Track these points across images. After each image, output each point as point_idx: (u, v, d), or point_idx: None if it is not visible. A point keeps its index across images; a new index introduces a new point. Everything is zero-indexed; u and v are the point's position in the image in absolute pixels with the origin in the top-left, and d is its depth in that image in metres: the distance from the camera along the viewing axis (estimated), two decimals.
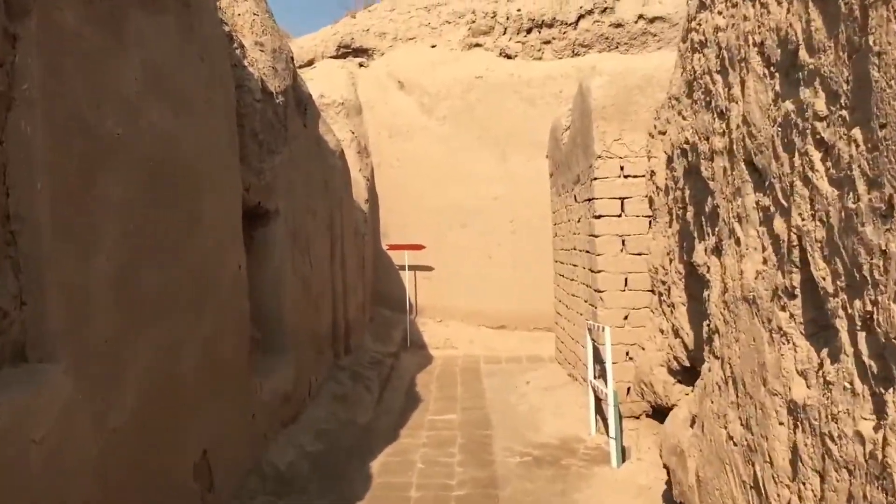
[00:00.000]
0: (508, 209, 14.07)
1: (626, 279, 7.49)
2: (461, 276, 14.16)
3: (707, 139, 3.83)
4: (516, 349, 13.41)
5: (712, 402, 3.55)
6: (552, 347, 12.58)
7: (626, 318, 7.48)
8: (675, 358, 5.39)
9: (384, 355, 11.78)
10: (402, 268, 14.08)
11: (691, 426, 4.01)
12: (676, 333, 5.34)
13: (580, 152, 8.32)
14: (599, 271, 7.54)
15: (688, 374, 5.42)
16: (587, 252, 8.14)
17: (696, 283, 5.11)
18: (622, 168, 7.47)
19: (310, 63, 14.53)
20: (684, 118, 4.45)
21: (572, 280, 9.36)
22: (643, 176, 7.38)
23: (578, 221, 8.71)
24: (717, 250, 3.68)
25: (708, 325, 3.88)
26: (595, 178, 7.52)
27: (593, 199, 7.59)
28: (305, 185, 8.55)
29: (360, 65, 14.60)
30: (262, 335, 7.12)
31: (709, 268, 3.84)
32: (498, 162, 14.12)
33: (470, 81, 14.18)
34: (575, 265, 9.11)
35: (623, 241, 7.49)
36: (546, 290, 13.43)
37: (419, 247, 13.97)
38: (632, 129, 7.42)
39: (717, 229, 3.68)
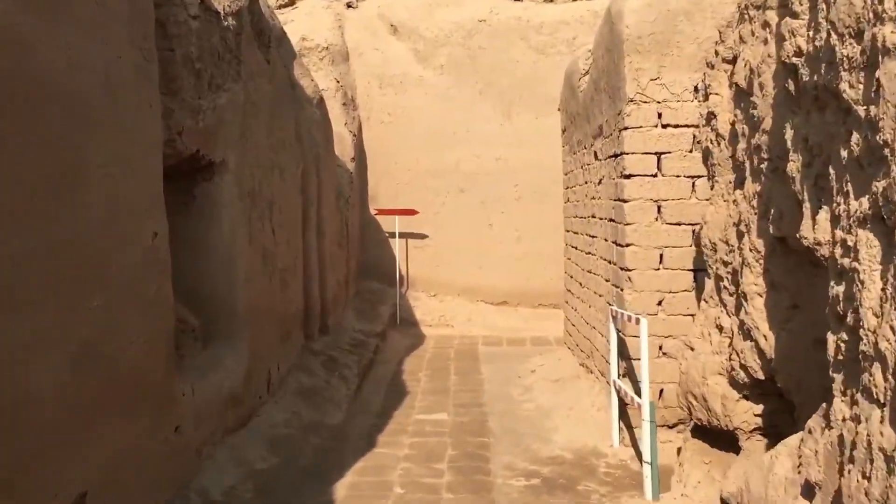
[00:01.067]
0: (513, 173, 12.52)
1: (661, 255, 6.00)
2: (458, 246, 12.67)
3: (857, 35, 2.30)
4: (519, 329, 11.98)
5: (867, 479, 2.07)
6: (560, 328, 11.14)
7: (660, 303, 6.00)
8: (744, 367, 3.94)
9: (368, 335, 10.34)
10: (392, 235, 12.58)
11: (805, 497, 2.55)
12: (747, 334, 3.87)
13: (604, 98, 6.77)
14: (627, 245, 6.04)
15: (760, 390, 3.97)
16: (611, 221, 6.64)
17: (783, 266, 3.61)
18: (660, 115, 5.93)
19: (291, 3, 12.86)
20: (793, 16, 2.91)
21: (589, 254, 7.87)
22: (688, 125, 5.84)
23: (599, 183, 7.19)
24: (875, 221, 2.18)
25: (841, 340, 2.40)
26: (625, 128, 5.98)
27: (622, 154, 6.07)
28: (269, 136, 7.01)
29: (348, 5, 12.94)
30: (204, 321, 5.64)
31: (850, 248, 2.34)
32: (502, 119, 12.54)
33: (472, 26, 12.53)
34: (593, 236, 7.61)
35: (659, 208, 5.99)
36: (554, 263, 11.99)
37: (411, 212, 12.46)
38: (674, 65, 5.87)
39: (875, 186, 2.17)
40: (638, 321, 5.39)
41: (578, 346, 8.62)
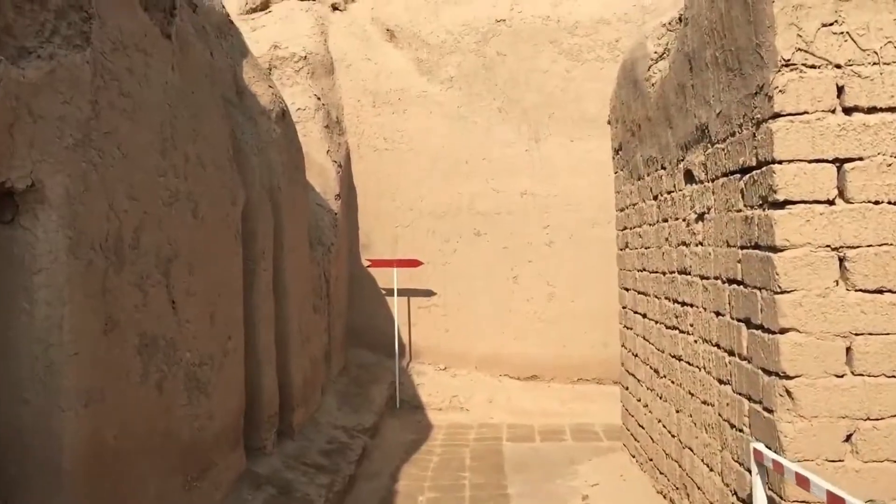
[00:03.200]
0: (543, 211, 9.82)
1: (848, 350, 3.22)
2: (474, 305, 9.92)
3: None
4: (555, 413, 9.17)
5: None
6: (609, 410, 8.34)
7: (848, 439, 3.21)
8: None
9: (353, 433, 7.55)
10: (390, 293, 9.84)
11: None
12: None
13: (712, 77, 4.07)
14: (783, 331, 3.27)
15: None
16: (735, 284, 3.90)
17: None
18: (841, 91, 3.22)
19: (264, 6, 10.39)
20: None
21: (675, 330, 5.11)
22: None
23: (700, 220, 4.46)
24: None
25: None
26: (774, 116, 3.26)
27: (767, 164, 3.34)
28: (165, 152, 4.35)
29: (334, 7, 10.45)
30: None
31: None
32: (528, 144, 9.89)
33: (487, 28, 9.97)
34: (685, 304, 4.86)
35: (842, 262, 3.23)
36: (598, 325, 9.29)
37: (414, 263, 9.76)
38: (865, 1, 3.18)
39: None
40: (808, 485, 2.59)
41: (653, 462, 5.78)
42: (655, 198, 5.54)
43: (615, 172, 7.05)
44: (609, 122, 7.20)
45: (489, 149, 9.93)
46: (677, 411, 5.07)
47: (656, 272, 5.58)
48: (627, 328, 6.71)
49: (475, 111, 9.95)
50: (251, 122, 6.45)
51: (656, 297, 5.61)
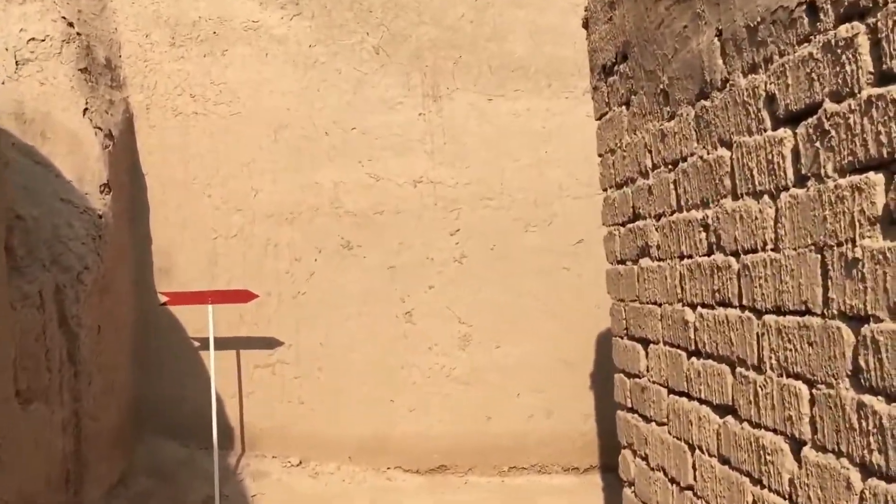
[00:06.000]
0: (448, 209, 6.34)
1: None
2: (346, 359, 6.27)
3: None
4: None
5: None
6: None
7: None
8: None
9: None
10: (205, 344, 5.98)
11: None
12: None
13: None
14: None
15: None
16: None
17: None
18: None
19: None
20: None
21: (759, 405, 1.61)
22: None
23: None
24: None
25: None
26: None
27: None
28: None
29: None
30: None
31: None
32: (422, 104, 6.39)
33: None
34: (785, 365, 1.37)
35: None
36: (539, 383, 5.95)
37: (244, 296, 6.02)
38: None
39: None
40: None
41: None
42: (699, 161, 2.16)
43: (602, 113, 3.60)
44: (586, 24, 3.75)
45: (362, 113, 6.33)
46: None
47: (687, 302, 2.22)
48: (633, 413, 3.27)
49: (338, 53, 6.32)
50: None
51: (682, 349, 2.27)
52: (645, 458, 3.17)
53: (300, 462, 6.21)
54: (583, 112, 6.25)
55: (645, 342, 3.10)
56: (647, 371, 3.08)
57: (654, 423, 3.04)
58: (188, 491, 5.67)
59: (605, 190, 3.64)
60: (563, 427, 6.23)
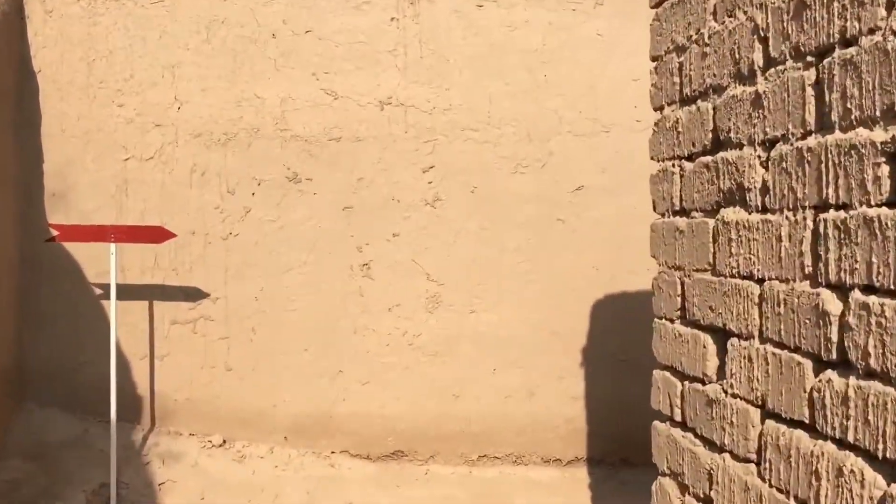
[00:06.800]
0: (421, 139, 5.17)
1: None
2: (285, 318, 5.13)
3: None
4: None
5: None
6: None
7: None
8: None
9: None
10: (106, 291, 4.75)
11: None
12: None
13: None
14: None
15: None
16: None
17: None
18: None
19: None
20: None
21: None
22: None
23: None
24: None
25: None
26: None
27: None
28: None
29: None
30: None
31: None
32: (395, 5, 5.13)
33: None
34: None
35: None
36: (519, 357, 4.87)
37: (160, 234, 4.81)
38: None
39: None
40: None
41: None
42: None
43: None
44: None
45: (320, 12, 5.07)
46: None
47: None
48: (684, 429, 2.16)
49: None
50: None
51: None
52: (703, 501, 2.07)
53: (223, 442, 5.06)
54: (592, 29, 5.11)
55: (720, 333, 1.97)
56: (724, 377, 1.95)
57: (728, 456, 1.93)
58: (74, 478, 4.50)
59: (658, 109, 2.47)
60: (546, 411, 5.17)
